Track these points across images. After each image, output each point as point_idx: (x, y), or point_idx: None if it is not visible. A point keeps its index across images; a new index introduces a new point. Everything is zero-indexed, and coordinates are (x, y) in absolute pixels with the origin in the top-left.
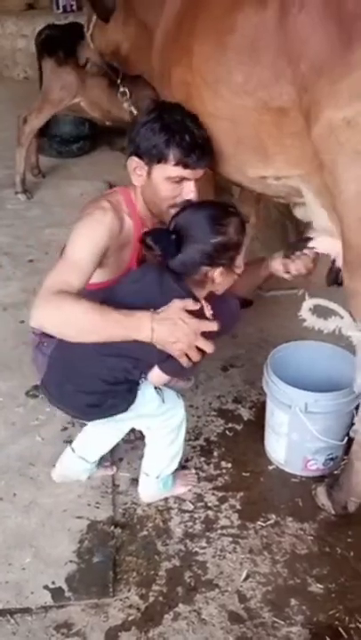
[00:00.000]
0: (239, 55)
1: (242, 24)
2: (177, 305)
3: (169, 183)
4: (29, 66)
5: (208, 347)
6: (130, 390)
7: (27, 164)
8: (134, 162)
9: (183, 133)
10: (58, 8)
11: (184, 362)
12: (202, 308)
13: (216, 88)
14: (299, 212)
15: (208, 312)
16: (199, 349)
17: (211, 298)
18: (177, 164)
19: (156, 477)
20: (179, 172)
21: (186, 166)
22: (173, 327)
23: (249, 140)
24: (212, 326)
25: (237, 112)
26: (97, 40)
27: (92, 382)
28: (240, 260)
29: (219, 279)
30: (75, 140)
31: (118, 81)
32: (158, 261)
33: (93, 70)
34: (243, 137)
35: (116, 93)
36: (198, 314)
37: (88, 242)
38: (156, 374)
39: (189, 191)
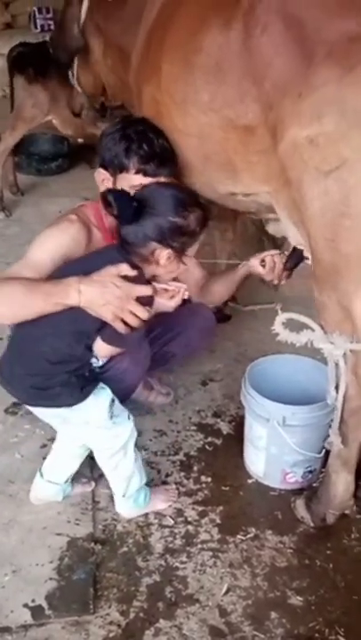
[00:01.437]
0: (205, 75)
1: (208, 44)
2: (110, 269)
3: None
4: (7, 85)
5: (141, 312)
6: (79, 383)
7: (4, 182)
8: (101, 174)
9: (141, 142)
10: (36, 27)
11: (119, 327)
12: (141, 277)
13: (184, 106)
14: (271, 228)
15: (159, 287)
16: (137, 317)
17: (185, 309)
18: (137, 172)
19: (123, 496)
20: (140, 179)
21: (146, 174)
22: (103, 289)
23: (217, 157)
24: (146, 290)
25: (205, 129)
26: (83, 82)
27: (37, 363)
28: (191, 252)
29: (164, 262)
30: (53, 157)
31: (107, 114)
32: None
33: (90, 116)
34: (211, 154)
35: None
36: (136, 282)
37: (50, 246)
38: (99, 345)
39: None
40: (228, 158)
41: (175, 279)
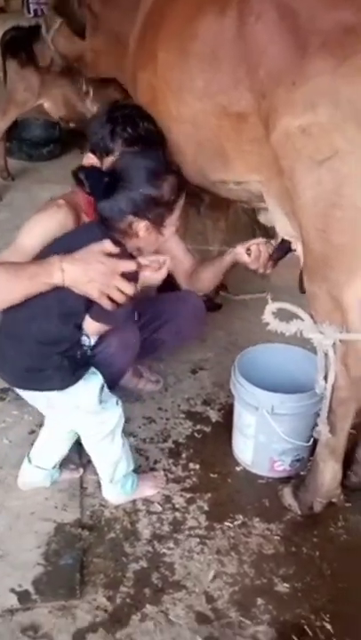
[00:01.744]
0: (201, 62)
1: (203, 32)
2: (92, 246)
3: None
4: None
5: (127, 288)
6: (70, 367)
7: None
8: (89, 158)
9: (126, 125)
10: (29, 12)
11: (105, 304)
12: (124, 253)
13: (179, 92)
14: (262, 217)
15: (144, 262)
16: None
17: (174, 296)
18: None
19: (110, 482)
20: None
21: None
22: (86, 267)
23: (209, 144)
24: (130, 266)
25: (199, 116)
26: (60, 45)
27: (28, 344)
28: (171, 222)
29: (143, 233)
30: (45, 143)
31: (83, 85)
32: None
33: (56, 69)
34: (203, 140)
35: (78, 93)
36: (120, 258)
37: (38, 231)
38: (88, 322)
39: None
40: (221, 146)
41: (157, 251)
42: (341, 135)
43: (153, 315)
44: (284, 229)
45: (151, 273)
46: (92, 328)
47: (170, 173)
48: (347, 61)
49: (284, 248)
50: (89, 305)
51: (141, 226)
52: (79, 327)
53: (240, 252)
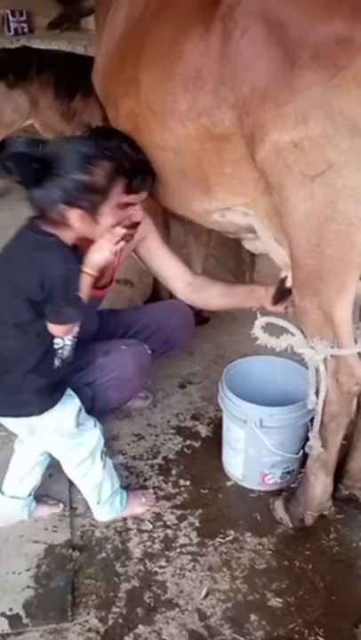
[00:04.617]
0: (184, 82)
1: (187, 51)
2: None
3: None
4: None
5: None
6: (47, 388)
7: None
8: None
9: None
10: (9, 31)
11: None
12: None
13: (163, 117)
14: (249, 245)
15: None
16: None
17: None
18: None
19: (97, 504)
20: (125, 198)
21: (130, 191)
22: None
23: (191, 172)
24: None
25: (181, 141)
26: None
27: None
28: (106, 210)
29: (77, 223)
30: None
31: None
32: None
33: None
34: (185, 168)
35: (67, 114)
36: None
37: None
38: (51, 328)
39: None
40: (203, 172)
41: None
42: (334, 148)
43: (142, 325)
44: (280, 256)
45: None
46: (57, 331)
47: (104, 158)
48: (340, 73)
49: (284, 291)
50: (39, 309)
51: (74, 215)
52: (43, 334)
53: (264, 297)
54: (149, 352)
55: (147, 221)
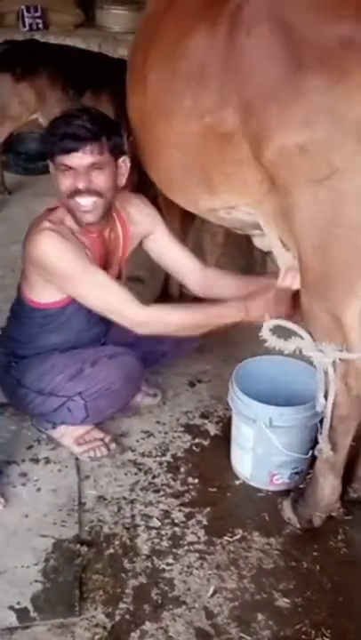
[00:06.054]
0: (189, 80)
1: (193, 48)
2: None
3: (61, 176)
4: None
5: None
6: None
7: None
8: (52, 167)
9: (61, 121)
10: (24, 26)
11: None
12: None
13: (168, 115)
14: (258, 242)
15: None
16: None
17: None
18: (60, 151)
19: None
20: (61, 160)
21: (63, 152)
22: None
23: (194, 170)
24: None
25: (185, 139)
26: None
27: None
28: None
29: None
30: (41, 157)
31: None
32: None
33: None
34: (189, 166)
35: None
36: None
37: (69, 254)
38: None
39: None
40: (205, 171)
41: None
42: (340, 153)
43: None
44: (280, 253)
45: None
46: None
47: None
48: (346, 76)
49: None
50: None
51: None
52: None
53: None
54: (137, 362)
55: (154, 215)
